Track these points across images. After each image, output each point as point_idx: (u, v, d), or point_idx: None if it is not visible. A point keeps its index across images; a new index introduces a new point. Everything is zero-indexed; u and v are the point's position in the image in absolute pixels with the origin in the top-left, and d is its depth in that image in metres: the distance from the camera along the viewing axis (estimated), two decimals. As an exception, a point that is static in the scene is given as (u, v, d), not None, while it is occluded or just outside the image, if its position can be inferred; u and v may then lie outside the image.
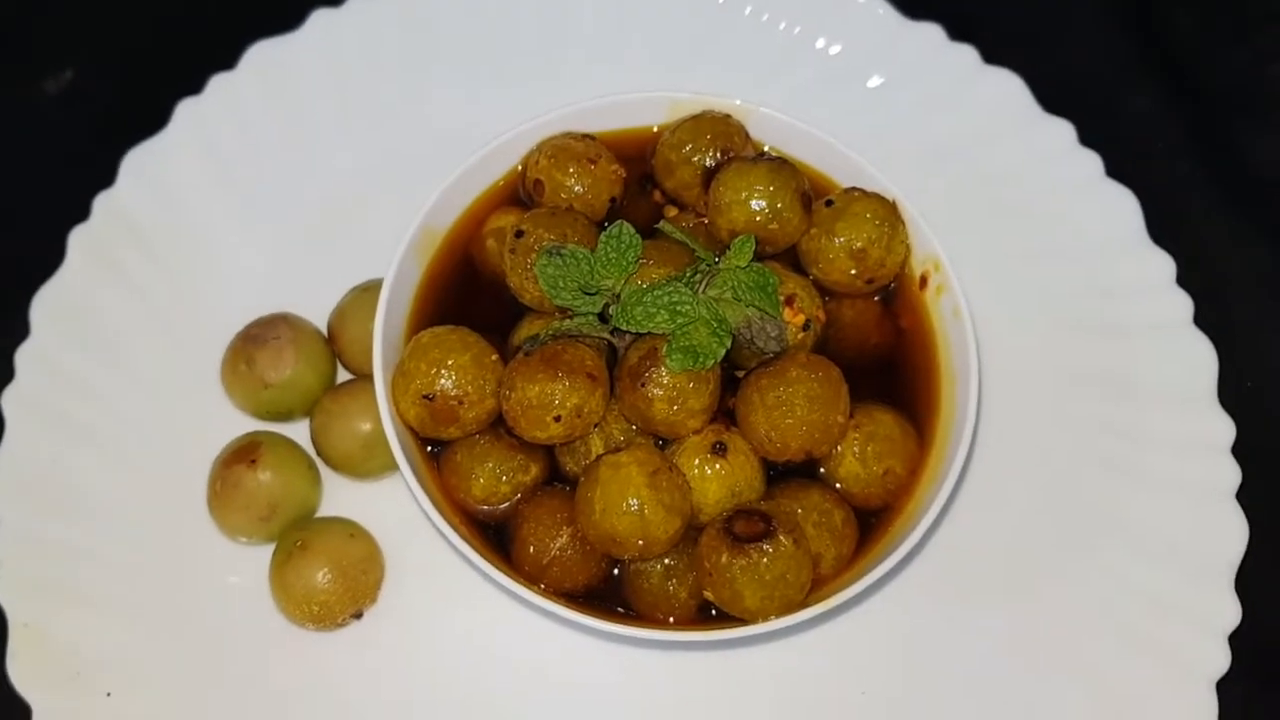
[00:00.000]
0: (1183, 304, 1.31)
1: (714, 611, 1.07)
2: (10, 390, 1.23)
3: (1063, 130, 1.41)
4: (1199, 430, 1.25)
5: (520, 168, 1.24)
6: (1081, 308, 1.34)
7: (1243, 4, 1.62)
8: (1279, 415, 1.34)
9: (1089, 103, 1.47)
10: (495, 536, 1.12)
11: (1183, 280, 1.32)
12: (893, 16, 1.46)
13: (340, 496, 1.23)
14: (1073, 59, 1.57)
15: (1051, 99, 1.43)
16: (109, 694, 1.12)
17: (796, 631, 1.16)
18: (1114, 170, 1.38)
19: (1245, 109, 1.54)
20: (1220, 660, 1.15)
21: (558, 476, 1.13)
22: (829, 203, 1.17)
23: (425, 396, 1.07)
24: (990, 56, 1.45)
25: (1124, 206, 1.37)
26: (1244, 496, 1.22)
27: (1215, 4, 1.60)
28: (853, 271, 1.15)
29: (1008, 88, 1.43)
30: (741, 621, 1.04)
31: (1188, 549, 1.20)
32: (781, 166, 1.15)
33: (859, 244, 1.14)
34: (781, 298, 1.11)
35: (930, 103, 1.43)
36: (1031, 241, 1.37)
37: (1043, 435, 1.28)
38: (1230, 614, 1.16)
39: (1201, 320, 1.30)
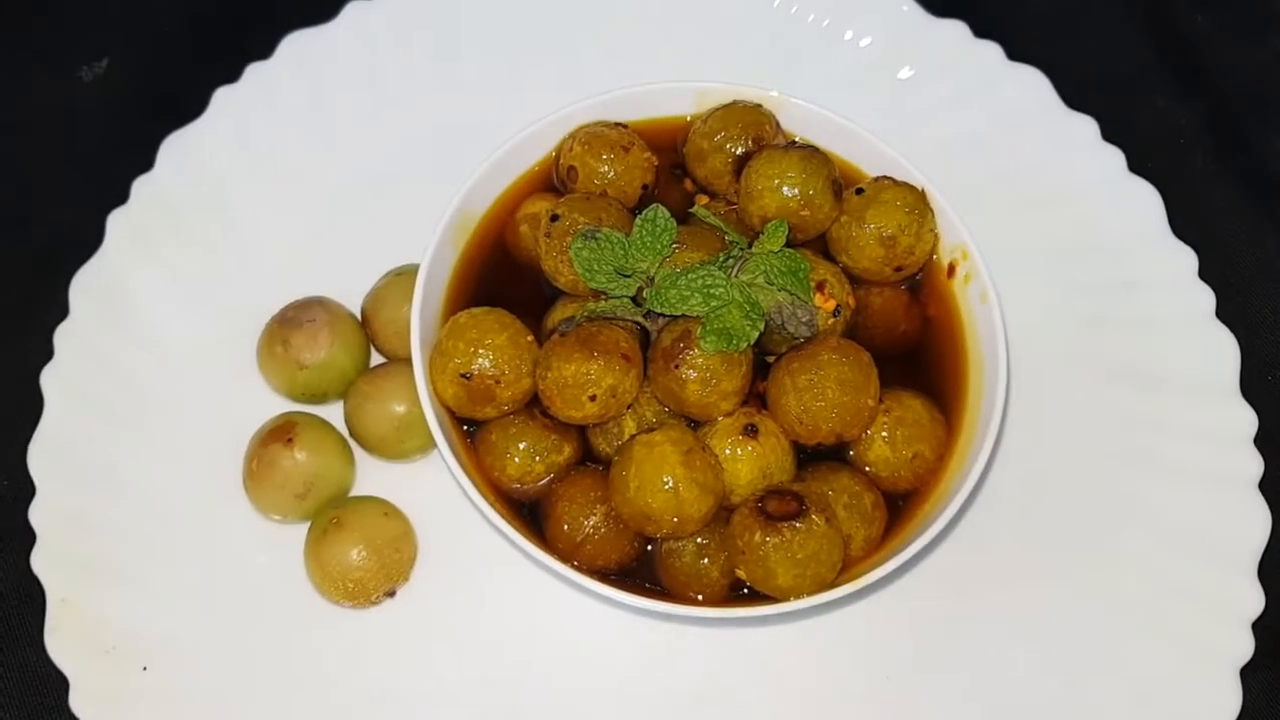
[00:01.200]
0: (1205, 297, 1.33)
1: (745, 590, 1.08)
2: (49, 369, 1.25)
3: (1086, 126, 1.42)
4: (1222, 421, 1.27)
5: (554, 154, 1.26)
6: (1105, 301, 1.35)
7: (1260, 4, 1.64)
8: (1300, 407, 1.35)
9: (1111, 100, 1.49)
10: (529, 516, 1.13)
11: (1204, 274, 1.34)
12: (918, 13, 1.49)
13: (373, 478, 1.25)
14: (1095, 57, 1.59)
15: (1074, 96, 1.44)
16: (145, 668, 1.14)
17: (824, 611, 1.17)
18: (1136, 166, 1.40)
19: (1263, 106, 1.56)
20: (1244, 647, 1.16)
21: (590, 457, 1.15)
22: (859, 191, 1.18)
23: (463, 376, 1.08)
24: (1014, 54, 1.47)
25: (1146, 201, 1.38)
26: (1266, 486, 1.23)
27: (1234, 3, 1.62)
28: (882, 259, 1.17)
29: (1032, 84, 1.45)
30: (773, 600, 1.05)
31: (1211, 538, 1.21)
32: (813, 154, 1.17)
33: (889, 231, 1.16)
34: (812, 283, 1.12)
35: (955, 98, 1.45)
36: (1055, 235, 1.39)
37: (1067, 426, 1.29)
38: (1254, 602, 1.18)
39: (1223, 313, 1.32)
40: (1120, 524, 1.24)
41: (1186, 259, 1.35)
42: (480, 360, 1.08)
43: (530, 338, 1.12)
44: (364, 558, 1.15)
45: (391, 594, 1.18)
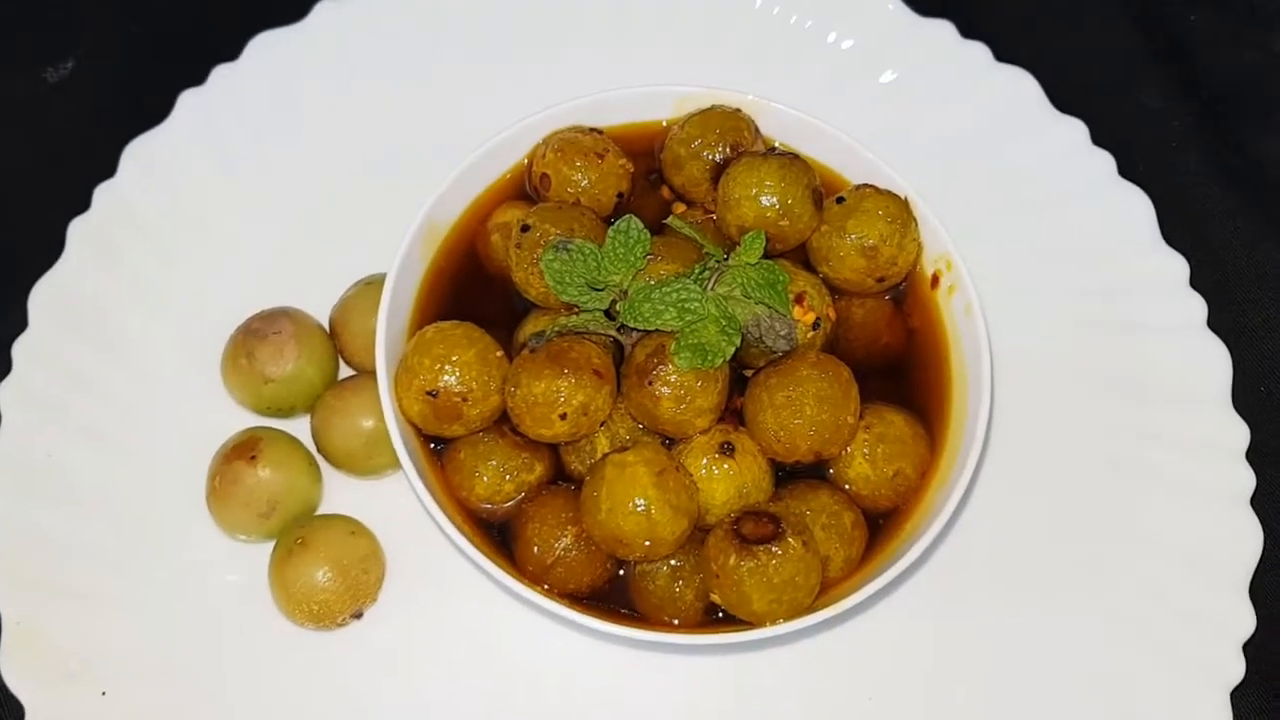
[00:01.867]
0: (1196, 306, 1.30)
1: (720, 614, 1.05)
2: (7, 383, 1.22)
3: (1075, 130, 1.39)
4: (1213, 434, 1.24)
5: (526, 162, 1.23)
6: (1094, 309, 1.32)
7: (1253, 5, 1.60)
8: (1293, 420, 1.32)
9: (1101, 102, 1.46)
10: (498, 536, 1.10)
11: (1195, 282, 1.31)
12: (903, 13, 1.45)
13: (341, 494, 1.21)
14: (1086, 58, 1.55)
15: (1064, 98, 1.41)
16: (104, 693, 1.11)
17: (803, 636, 1.13)
18: (1126, 170, 1.37)
19: (1257, 110, 1.52)
20: (1235, 669, 1.13)
21: (562, 476, 1.12)
22: (840, 199, 1.15)
23: (429, 393, 1.05)
24: (1002, 55, 1.43)
25: (1136, 207, 1.35)
26: (1258, 502, 1.20)
27: (1226, 4, 1.59)
28: (864, 269, 1.14)
29: (1020, 86, 1.41)
30: (748, 625, 1.02)
31: (1202, 555, 1.19)
32: (793, 162, 1.13)
33: (870, 241, 1.12)
34: (791, 295, 1.09)
35: (942, 101, 1.42)
36: (1043, 242, 1.36)
37: (1054, 439, 1.26)
38: (1245, 622, 1.15)
39: (1215, 323, 1.29)
40: (1109, 541, 1.21)
41: (1177, 267, 1.32)
42: (447, 377, 1.05)
43: (500, 353, 1.08)
44: (330, 579, 1.11)
45: (358, 616, 1.15)
